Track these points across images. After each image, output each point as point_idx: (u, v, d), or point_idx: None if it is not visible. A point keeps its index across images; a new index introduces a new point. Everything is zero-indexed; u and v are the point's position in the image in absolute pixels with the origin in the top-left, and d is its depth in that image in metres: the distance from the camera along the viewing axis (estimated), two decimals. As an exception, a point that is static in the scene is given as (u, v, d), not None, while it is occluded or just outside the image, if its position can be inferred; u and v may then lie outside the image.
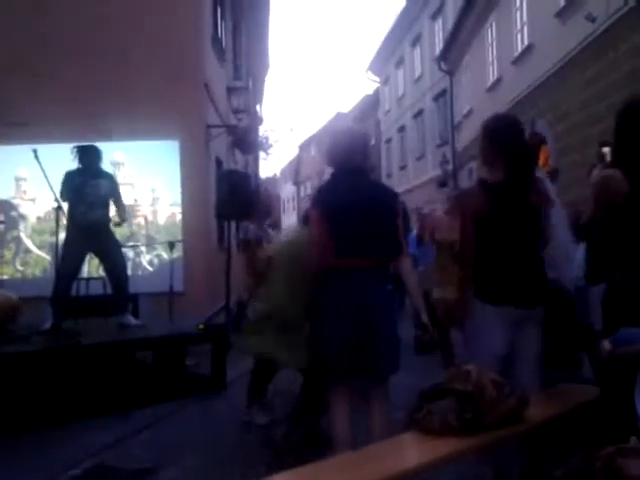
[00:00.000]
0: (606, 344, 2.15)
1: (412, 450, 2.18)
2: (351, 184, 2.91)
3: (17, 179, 8.35)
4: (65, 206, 5.49)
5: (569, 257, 3.34)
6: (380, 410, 2.85)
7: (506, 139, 2.83)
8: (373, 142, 28.60)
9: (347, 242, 2.83)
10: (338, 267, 2.84)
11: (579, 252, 3.37)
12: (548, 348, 2.89)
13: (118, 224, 5.89)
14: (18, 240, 8.45)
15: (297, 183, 44.19)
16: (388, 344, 2.87)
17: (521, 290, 2.74)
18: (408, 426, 2.31)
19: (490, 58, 14.48)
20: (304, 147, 44.25)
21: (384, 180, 25.92)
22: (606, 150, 7.90)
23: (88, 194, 5.55)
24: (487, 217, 2.75)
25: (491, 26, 14.27)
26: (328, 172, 3.21)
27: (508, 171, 2.81)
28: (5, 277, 8.25)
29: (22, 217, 8.48)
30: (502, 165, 2.82)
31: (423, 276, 5.96)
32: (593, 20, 8.82)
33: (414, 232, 7.36)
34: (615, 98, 8.44)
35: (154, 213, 8.61)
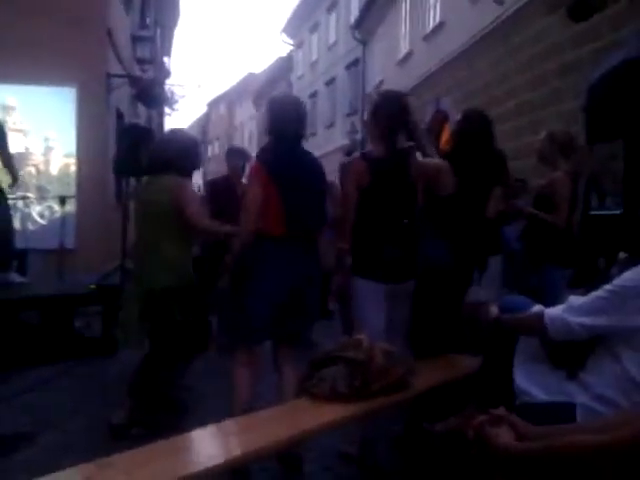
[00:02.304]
0: (493, 309, 2.24)
1: (300, 416, 2.20)
2: (294, 154, 2.89)
3: None
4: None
5: None
6: (290, 377, 2.88)
7: (388, 115, 2.90)
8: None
9: (295, 212, 2.80)
10: (285, 236, 2.79)
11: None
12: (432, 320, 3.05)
13: (12, 185, 5.45)
14: None
15: (205, 142, 43.07)
16: (313, 312, 2.99)
17: (395, 266, 2.86)
18: (299, 392, 2.34)
19: (403, 31, 14.64)
20: (213, 105, 43.07)
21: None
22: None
23: None
24: (367, 191, 2.83)
25: (405, 0, 14.40)
26: (248, 135, 3.13)
27: (389, 147, 2.89)
28: None
29: None
30: (384, 141, 2.90)
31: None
32: (501, 3, 9.11)
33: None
34: (514, 83, 8.84)
35: (46, 163, 8.11)
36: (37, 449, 3.10)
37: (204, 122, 44.08)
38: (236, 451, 1.91)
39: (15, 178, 5.51)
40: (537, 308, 2.10)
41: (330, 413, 2.18)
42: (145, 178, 3.67)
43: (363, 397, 2.24)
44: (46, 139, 8.06)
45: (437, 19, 12.29)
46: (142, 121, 12.16)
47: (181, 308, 3.22)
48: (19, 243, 5.72)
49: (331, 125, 21.08)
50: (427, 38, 12.82)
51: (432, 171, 3.07)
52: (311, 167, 2.96)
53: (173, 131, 3.73)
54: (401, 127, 2.94)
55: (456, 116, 3.70)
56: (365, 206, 2.84)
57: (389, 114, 2.90)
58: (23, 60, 7.34)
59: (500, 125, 8.92)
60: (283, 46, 27.76)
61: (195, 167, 3.56)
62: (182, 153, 3.34)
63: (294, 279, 2.81)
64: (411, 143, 3.03)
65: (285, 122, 2.89)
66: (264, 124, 3.00)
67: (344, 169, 2.98)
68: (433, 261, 3.03)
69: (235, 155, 5.48)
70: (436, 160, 3.22)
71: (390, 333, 2.85)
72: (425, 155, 3.46)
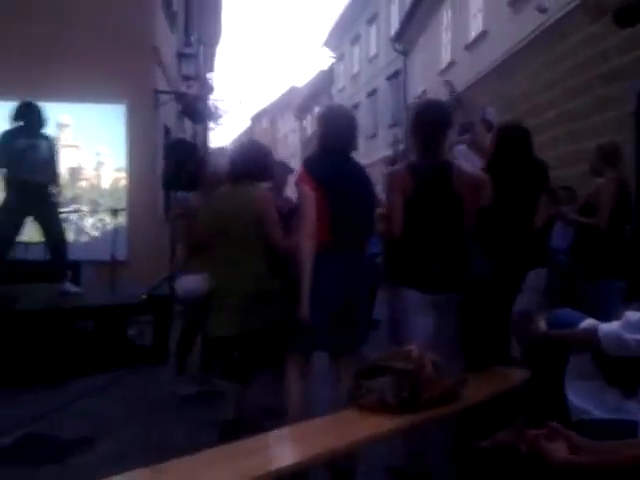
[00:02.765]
0: (542, 324, 2.21)
1: (348, 427, 2.21)
2: (343, 165, 2.91)
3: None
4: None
5: None
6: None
7: (420, 126, 2.91)
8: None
9: (343, 222, 2.82)
10: (332, 245, 2.81)
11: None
12: (476, 332, 3.03)
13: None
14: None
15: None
16: (364, 317, 3.06)
17: (439, 277, 2.84)
18: (348, 403, 2.36)
19: (444, 41, 14.59)
20: (256, 119, 43.64)
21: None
22: None
23: (28, 156, 5.32)
24: (411, 202, 2.83)
25: (447, 10, 14.35)
26: (291, 147, 3.15)
27: (429, 156, 2.90)
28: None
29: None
30: (424, 150, 2.92)
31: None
32: (544, 11, 8.99)
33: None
34: (557, 91, 8.69)
35: (98, 177, 8.40)
36: (94, 455, 3.20)
37: (248, 136, 44.68)
38: (286, 460, 1.93)
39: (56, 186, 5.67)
40: (588, 322, 2.07)
41: (377, 425, 2.18)
42: (221, 188, 3.55)
43: (411, 409, 2.24)
44: (98, 154, 8.35)
45: (479, 28, 12.20)
46: (188, 136, 12.43)
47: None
48: (73, 255, 5.92)
49: (373, 136, 21.09)
50: (469, 47, 12.74)
51: (474, 182, 3.04)
52: (360, 179, 2.98)
53: (252, 141, 3.74)
54: (442, 137, 2.93)
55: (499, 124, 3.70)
56: (408, 217, 2.85)
57: (429, 123, 2.90)
58: (75, 79, 7.63)
59: (543, 134, 8.79)
60: (324, 59, 27.91)
61: (268, 178, 3.55)
62: (261, 163, 3.33)
63: (346, 288, 2.83)
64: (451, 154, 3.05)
65: (336, 134, 2.90)
66: (315, 134, 3.04)
67: (390, 179, 2.99)
68: (475, 273, 3.01)
69: (278, 167, 5.62)
70: (478, 171, 3.22)
71: (439, 344, 2.85)
72: (483, 155, 3.47)
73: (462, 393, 2.36)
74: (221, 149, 5.60)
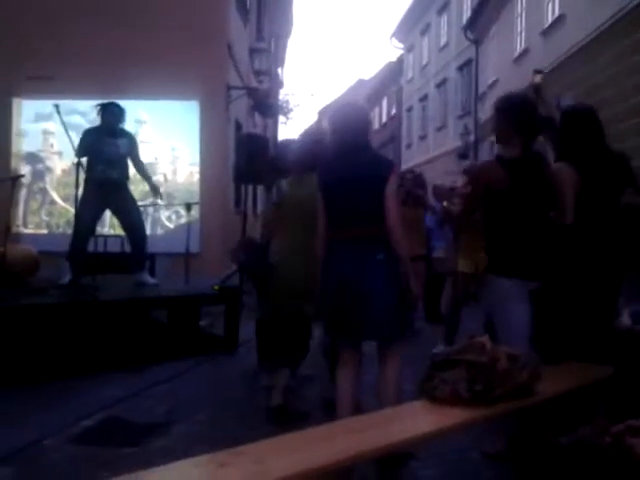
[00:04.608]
0: (625, 319, 2.17)
1: (420, 418, 2.20)
2: (345, 158, 2.94)
3: (45, 132, 8.51)
4: (83, 162, 5.51)
5: None
6: (385, 375, 2.88)
7: (521, 116, 2.92)
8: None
9: (337, 214, 2.92)
10: (330, 237, 2.94)
11: None
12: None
13: (155, 196, 6.07)
14: (44, 191, 8.68)
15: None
16: (381, 310, 2.79)
17: (534, 264, 2.83)
18: (419, 394, 2.34)
19: (519, 28, 14.11)
20: (323, 113, 43.81)
21: (404, 150, 25.69)
22: None
23: (107, 152, 5.54)
24: (505, 193, 2.83)
25: (522, -5, 13.88)
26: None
27: (524, 147, 2.90)
28: (29, 231, 8.47)
29: (48, 169, 8.68)
30: (519, 142, 2.90)
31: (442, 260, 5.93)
32: (628, -8, 8.54)
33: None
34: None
35: (173, 171, 8.69)
36: (170, 438, 3.32)
37: (312, 130, 44.87)
38: (361, 448, 1.93)
39: (154, 188, 5.97)
40: None
41: (451, 417, 2.15)
42: (289, 178, 3.78)
43: (485, 402, 2.20)
44: (173, 149, 8.63)
45: (556, 12, 11.71)
46: (259, 130, 12.62)
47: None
48: (149, 248, 6.11)
49: (442, 127, 20.73)
50: (545, 33, 12.27)
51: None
52: (364, 169, 2.90)
53: (319, 132, 3.96)
54: (534, 127, 2.95)
55: None
56: (503, 208, 2.87)
57: (522, 114, 2.93)
58: (152, 77, 7.90)
59: (629, 120, 8.36)
60: (393, 51, 27.72)
61: None
62: (316, 155, 3.53)
63: (343, 275, 2.82)
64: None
65: (338, 132, 2.98)
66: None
67: (477, 173, 3.07)
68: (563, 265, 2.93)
69: None
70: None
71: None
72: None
73: (537, 387, 2.29)
74: (287, 141, 5.67)
